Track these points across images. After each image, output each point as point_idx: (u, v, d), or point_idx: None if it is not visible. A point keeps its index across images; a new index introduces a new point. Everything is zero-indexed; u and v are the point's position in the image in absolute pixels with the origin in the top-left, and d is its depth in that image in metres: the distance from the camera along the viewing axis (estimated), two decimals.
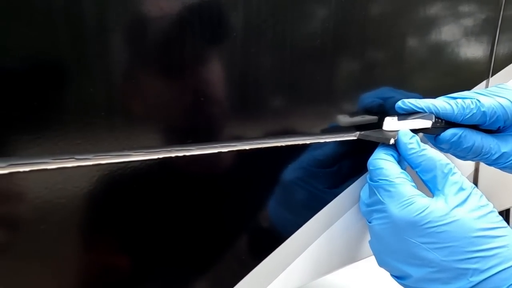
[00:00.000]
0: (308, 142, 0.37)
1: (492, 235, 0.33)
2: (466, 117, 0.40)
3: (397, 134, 0.38)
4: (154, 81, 0.28)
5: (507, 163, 0.43)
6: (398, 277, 0.37)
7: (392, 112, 0.42)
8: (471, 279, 0.32)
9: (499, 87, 0.43)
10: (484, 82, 0.52)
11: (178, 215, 0.31)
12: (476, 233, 0.33)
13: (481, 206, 0.34)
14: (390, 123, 0.40)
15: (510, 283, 0.32)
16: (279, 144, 0.35)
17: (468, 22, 0.48)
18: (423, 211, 0.33)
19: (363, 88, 0.40)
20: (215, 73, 0.31)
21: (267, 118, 0.35)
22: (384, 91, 0.42)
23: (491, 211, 0.34)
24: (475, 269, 0.32)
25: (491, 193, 0.41)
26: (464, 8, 0.47)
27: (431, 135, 0.42)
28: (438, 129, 0.41)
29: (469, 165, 0.56)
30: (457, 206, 0.34)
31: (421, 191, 0.35)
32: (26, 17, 0.23)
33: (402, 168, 0.37)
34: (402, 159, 0.38)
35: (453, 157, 0.45)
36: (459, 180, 0.35)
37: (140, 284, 0.30)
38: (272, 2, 0.32)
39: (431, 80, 0.46)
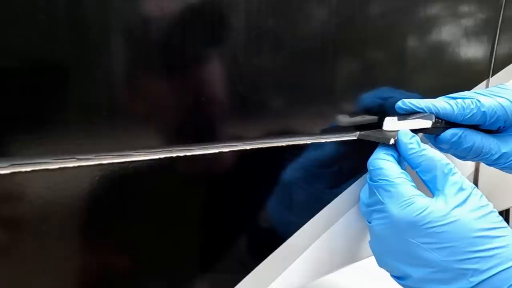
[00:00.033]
0: (308, 142, 0.37)
1: (492, 235, 0.33)
2: (466, 117, 0.40)
3: (397, 134, 0.38)
4: (155, 81, 0.28)
5: (507, 163, 0.43)
6: (398, 277, 0.37)
7: (392, 112, 0.42)
8: (471, 280, 0.32)
9: (499, 87, 0.43)
10: (484, 82, 0.52)
11: (179, 215, 0.31)
12: (476, 233, 0.33)
13: (481, 206, 0.34)
14: (390, 123, 0.40)
15: (510, 284, 0.32)
16: (279, 144, 0.35)
17: (468, 22, 0.48)
18: (423, 211, 0.33)
19: (363, 88, 0.40)
20: (215, 73, 0.31)
21: (268, 118, 0.35)
22: (384, 91, 0.42)
23: (491, 211, 0.34)
24: (475, 270, 0.32)
25: (491, 193, 0.41)
26: (464, 8, 0.48)
27: (431, 135, 0.42)
28: (438, 129, 0.41)
29: (469, 165, 0.56)
30: (457, 206, 0.34)
31: (421, 191, 0.35)
32: (28, 18, 0.23)
33: (402, 168, 0.37)
34: (402, 159, 0.38)
35: (453, 157, 0.45)
36: (459, 180, 0.35)
37: (140, 284, 0.30)
38: (272, 2, 0.32)
39: (431, 80, 0.46)
